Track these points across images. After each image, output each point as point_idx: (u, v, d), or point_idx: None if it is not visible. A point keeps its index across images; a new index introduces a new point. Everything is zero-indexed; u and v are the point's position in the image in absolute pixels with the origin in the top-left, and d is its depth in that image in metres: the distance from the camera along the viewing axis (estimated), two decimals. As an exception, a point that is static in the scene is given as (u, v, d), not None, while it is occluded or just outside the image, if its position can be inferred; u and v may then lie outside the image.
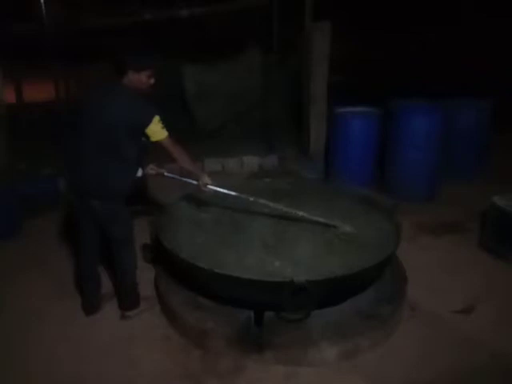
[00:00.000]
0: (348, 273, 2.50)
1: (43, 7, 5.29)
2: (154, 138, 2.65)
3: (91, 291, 3.08)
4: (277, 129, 6.00)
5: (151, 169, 3.13)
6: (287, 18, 5.79)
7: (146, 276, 3.29)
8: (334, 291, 2.61)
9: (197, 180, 2.98)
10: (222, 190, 3.04)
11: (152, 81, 2.70)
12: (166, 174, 3.14)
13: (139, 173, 2.90)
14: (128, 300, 3.03)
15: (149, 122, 2.59)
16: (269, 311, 2.64)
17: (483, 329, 2.81)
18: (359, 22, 7.86)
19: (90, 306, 3.07)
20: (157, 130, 2.63)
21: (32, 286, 3.44)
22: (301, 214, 3.10)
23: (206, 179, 2.96)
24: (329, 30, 4.98)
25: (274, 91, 6.15)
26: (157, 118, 2.61)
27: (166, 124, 2.68)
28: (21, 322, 3.04)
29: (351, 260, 2.71)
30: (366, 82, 6.65)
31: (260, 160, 5.73)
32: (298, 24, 5.34)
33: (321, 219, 3.09)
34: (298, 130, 5.77)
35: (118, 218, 2.83)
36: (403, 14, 7.91)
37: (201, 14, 5.91)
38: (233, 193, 3.08)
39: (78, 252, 3.10)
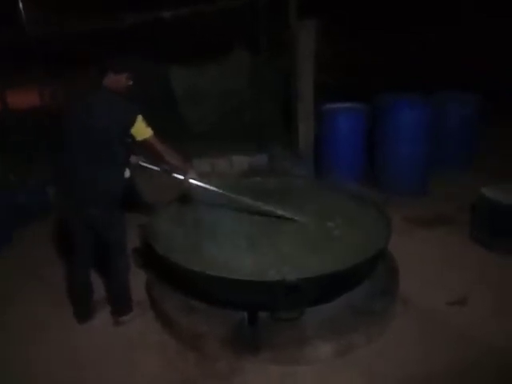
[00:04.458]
0: (339, 269, 2.49)
1: (23, 12, 5.19)
2: (139, 137, 2.66)
3: (84, 299, 3.06)
4: (266, 127, 5.98)
5: (143, 161, 3.06)
6: (276, 15, 5.76)
7: (137, 280, 3.26)
8: (325, 288, 2.61)
9: (183, 174, 2.96)
10: (205, 185, 3.01)
11: (130, 82, 2.73)
12: (155, 168, 3.07)
13: (127, 174, 2.86)
14: (121, 305, 3.02)
15: (133, 121, 2.60)
16: (262, 311, 2.63)
17: (476, 322, 2.82)
18: (359, 22, 7.85)
19: (83, 314, 3.05)
20: (142, 129, 2.65)
21: (28, 296, 3.41)
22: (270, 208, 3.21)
23: (192, 174, 2.95)
24: (314, 27, 4.96)
25: (263, 90, 6.13)
26: (140, 117, 2.63)
27: (153, 125, 2.68)
28: (20, 329, 3.05)
29: (343, 256, 2.71)
30: (366, 83, 6.63)
31: (249, 159, 5.72)
32: (287, 22, 5.32)
33: (286, 214, 3.21)
34: (287, 128, 5.77)
35: (115, 223, 2.82)
36: (403, 13, 7.91)
37: (185, 15, 5.85)
38: (215, 189, 3.06)
39: (72, 261, 3.08)
